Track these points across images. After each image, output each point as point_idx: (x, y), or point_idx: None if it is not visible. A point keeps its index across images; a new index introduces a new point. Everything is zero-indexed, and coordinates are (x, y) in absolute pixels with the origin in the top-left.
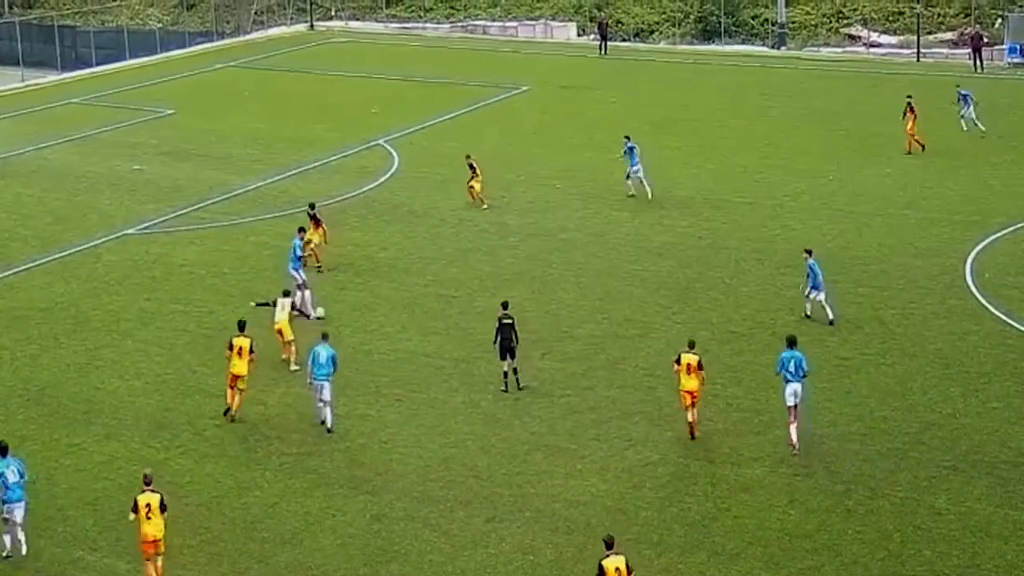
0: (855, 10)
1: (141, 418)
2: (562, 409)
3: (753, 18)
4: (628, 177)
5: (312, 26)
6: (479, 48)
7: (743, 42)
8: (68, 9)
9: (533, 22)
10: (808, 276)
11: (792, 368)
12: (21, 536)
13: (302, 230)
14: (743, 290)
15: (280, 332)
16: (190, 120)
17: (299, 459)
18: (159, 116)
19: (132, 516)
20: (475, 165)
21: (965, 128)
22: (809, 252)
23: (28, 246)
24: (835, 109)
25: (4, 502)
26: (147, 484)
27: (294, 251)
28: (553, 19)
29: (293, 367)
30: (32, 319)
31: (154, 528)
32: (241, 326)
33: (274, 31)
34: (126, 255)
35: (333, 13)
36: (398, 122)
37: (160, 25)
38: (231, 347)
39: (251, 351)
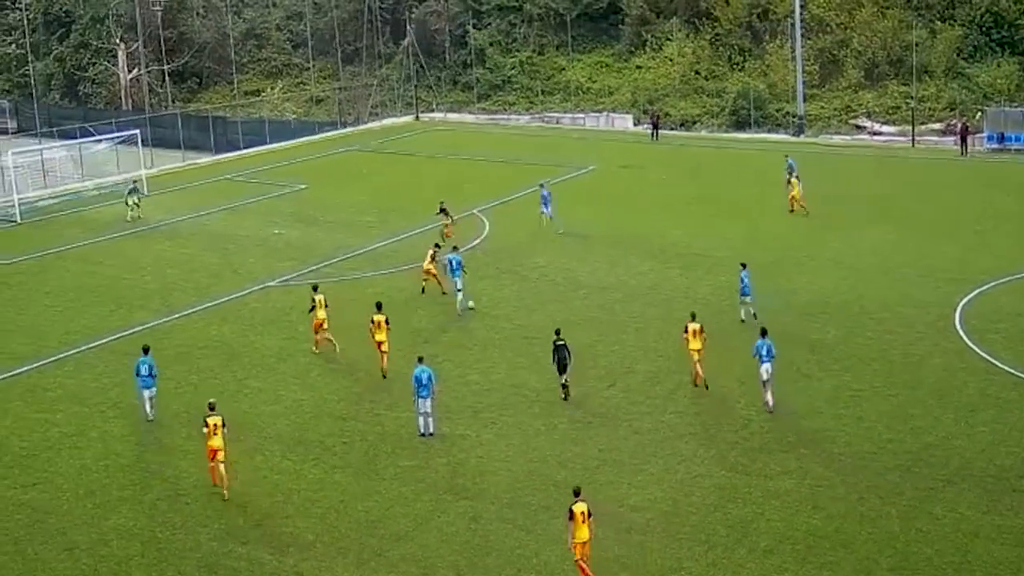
0: (861, 104)
1: (281, 436)
2: (626, 431)
3: (777, 111)
4: (543, 215)
5: (417, 117)
6: (554, 135)
7: (769, 131)
8: (220, 103)
9: (598, 114)
10: (740, 285)
11: (764, 352)
12: (150, 409)
13: (456, 248)
14: (770, 333)
15: (321, 324)
16: (319, 193)
17: (410, 470)
18: (294, 190)
19: (204, 430)
20: (447, 210)
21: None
22: (744, 265)
23: (189, 295)
24: (845, 185)
25: (143, 387)
26: (211, 409)
27: (455, 265)
28: (614, 111)
29: (316, 350)
30: (193, 355)
31: (217, 441)
32: (379, 306)
33: (387, 121)
34: (269, 303)
35: (434, 106)
36: (489, 195)
37: (295, 116)
38: (373, 322)
39: (387, 323)
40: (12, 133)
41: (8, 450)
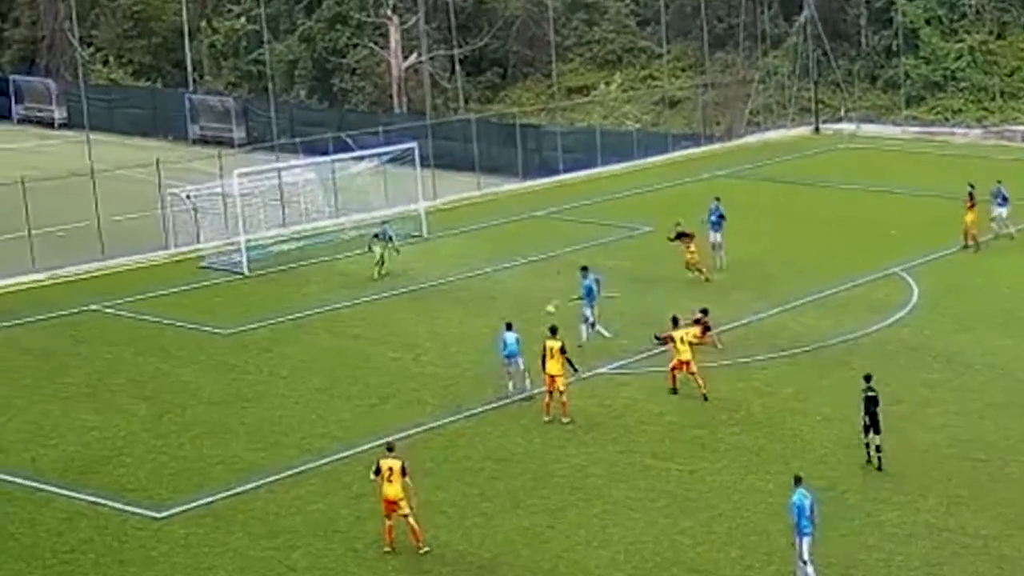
0: None
1: None
2: None
3: None
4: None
5: (817, 129)
6: (1016, 158)
7: None
8: (532, 105)
9: None
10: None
11: None
12: (525, 383)
13: (584, 268)
14: None
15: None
16: (666, 241)
17: None
18: (633, 234)
19: (374, 478)
20: (687, 232)
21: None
22: None
23: (484, 386)
24: None
25: (508, 356)
26: (389, 451)
27: (588, 290)
28: None
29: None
30: (485, 472)
31: (394, 490)
32: (675, 321)
33: (771, 134)
34: (594, 399)
35: (843, 114)
36: (919, 246)
37: (638, 125)
38: (672, 339)
39: (703, 333)
40: (240, 145)
41: None
